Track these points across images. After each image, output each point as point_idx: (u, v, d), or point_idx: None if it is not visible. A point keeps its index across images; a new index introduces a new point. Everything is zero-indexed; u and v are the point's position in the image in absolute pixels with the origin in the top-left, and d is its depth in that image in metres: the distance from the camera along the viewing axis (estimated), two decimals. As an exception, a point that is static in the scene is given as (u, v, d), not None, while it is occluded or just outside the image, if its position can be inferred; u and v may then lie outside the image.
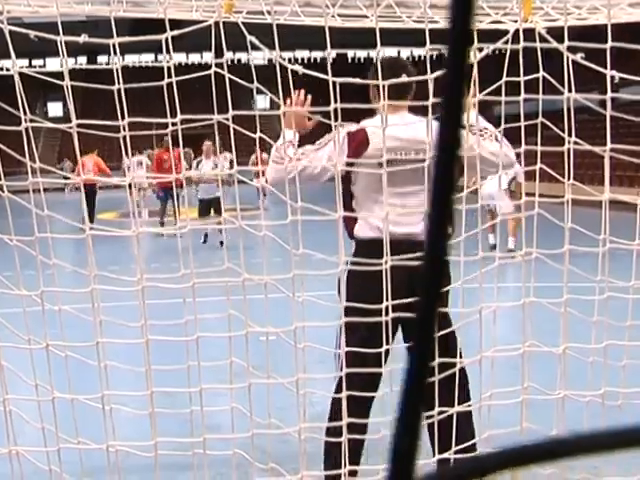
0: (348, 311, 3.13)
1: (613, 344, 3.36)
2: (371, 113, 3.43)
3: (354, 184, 3.33)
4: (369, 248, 3.19)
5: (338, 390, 3.19)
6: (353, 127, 3.33)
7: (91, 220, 17.24)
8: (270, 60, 3.00)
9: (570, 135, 3.26)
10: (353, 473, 3.22)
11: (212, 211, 12.50)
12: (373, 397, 3.25)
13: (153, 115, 3.49)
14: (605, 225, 3.24)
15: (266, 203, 12.99)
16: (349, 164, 3.24)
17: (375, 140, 3.22)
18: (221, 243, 11.99)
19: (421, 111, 3.14)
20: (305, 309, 3.16)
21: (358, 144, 3.26)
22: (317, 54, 48.86)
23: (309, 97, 3.38)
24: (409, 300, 2.96)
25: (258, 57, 3.44)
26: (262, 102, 27.45)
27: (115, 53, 3.00)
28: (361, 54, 52.12)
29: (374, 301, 3.06)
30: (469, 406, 3.32)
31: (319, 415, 3.41)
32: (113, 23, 2.85)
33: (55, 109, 41.58)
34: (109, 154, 20.43)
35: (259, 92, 3.32)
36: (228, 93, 2.93)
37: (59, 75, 3.22)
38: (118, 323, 3.07)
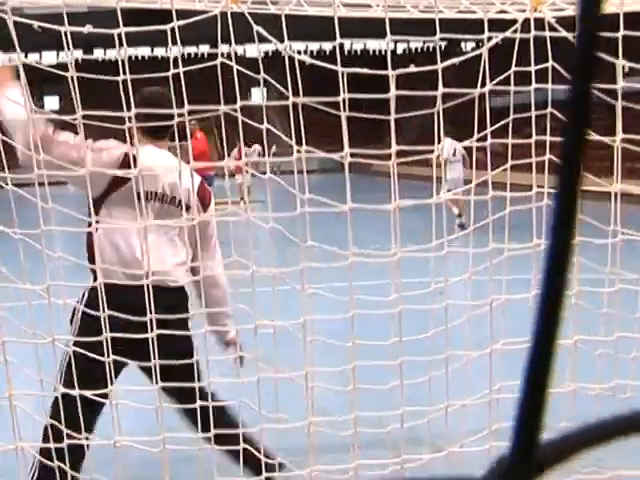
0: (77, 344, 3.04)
1: (623, 336, 3.33)
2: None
3: (100, 215, 3.08)
4: (107, 293, 2.95)
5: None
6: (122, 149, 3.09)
7: None
8: (266, 53, 2.96)
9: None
10: None
11: None
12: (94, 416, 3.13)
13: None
14: (616, 217, 3.21)
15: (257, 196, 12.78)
16: (106, 192, 3.06)
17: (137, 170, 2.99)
18: None
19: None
20: (313, 302, 3.14)
21: (123, 173, 2.98)
22: (299, 46, 48.41)
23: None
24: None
25: (252, 50, 3.39)
26: (257, 95, 27.27)
27: (115, 45, 2.97)
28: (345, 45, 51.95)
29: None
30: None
31: (322, 408, 3.36)
32: (119, 14, 2.81)
33: (52, 103, 41.35)
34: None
35: (255, 85, 3.26)
36: (238, 85, 2.89)
37: (57, 68, 3.19)
38: (124, 317, 3.03)
